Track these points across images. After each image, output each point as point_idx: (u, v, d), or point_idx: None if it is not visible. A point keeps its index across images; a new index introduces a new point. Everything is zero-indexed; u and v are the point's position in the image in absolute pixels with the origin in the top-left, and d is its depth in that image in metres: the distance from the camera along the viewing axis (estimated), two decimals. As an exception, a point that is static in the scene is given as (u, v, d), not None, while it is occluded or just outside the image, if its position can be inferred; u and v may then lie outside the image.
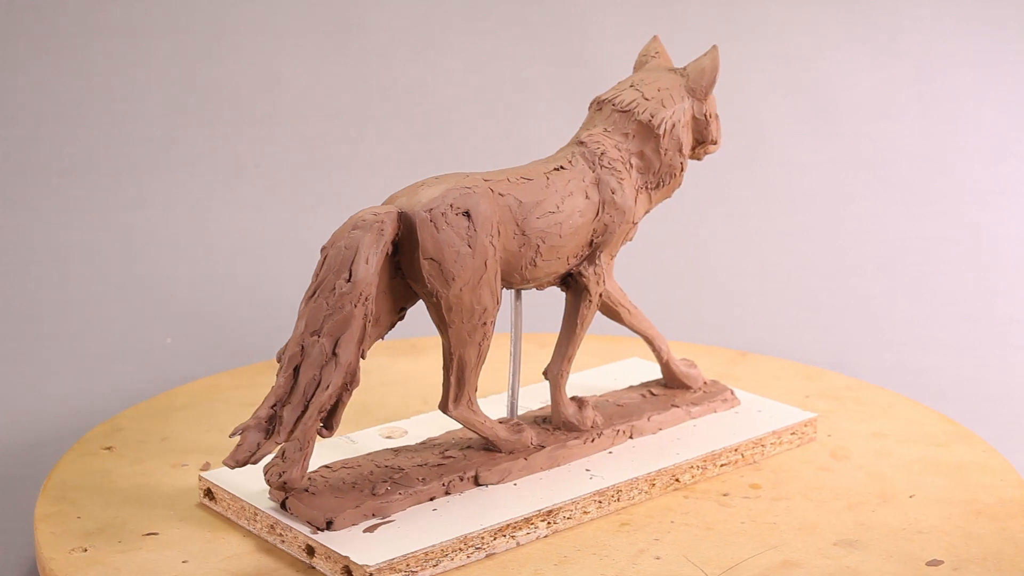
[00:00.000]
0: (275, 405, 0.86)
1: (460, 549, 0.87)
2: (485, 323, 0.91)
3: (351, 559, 0.84)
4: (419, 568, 0.85)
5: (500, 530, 0.89)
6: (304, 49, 1.66)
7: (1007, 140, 1.63)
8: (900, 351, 1.40)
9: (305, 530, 0.88)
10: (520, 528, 0.90)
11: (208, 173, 1.60)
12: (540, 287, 0.98)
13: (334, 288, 0.87)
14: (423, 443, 0.99)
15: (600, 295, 0.99)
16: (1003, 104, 1.65)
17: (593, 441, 0.99)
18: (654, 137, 0.98)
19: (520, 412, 1.05)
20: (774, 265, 1.55)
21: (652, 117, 0.98)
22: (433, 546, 0.86)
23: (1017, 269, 1.53)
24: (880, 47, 1.67)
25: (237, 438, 0.98)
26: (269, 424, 0.86)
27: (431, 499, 0.92)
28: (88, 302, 1.46)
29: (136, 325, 1.43)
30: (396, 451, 0.97)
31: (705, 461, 1.00)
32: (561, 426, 1.00)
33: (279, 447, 0.90)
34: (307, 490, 0.90)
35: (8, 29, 1.62)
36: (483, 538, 0.88)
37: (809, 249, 1.56)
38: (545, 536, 0.91)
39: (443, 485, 0.92)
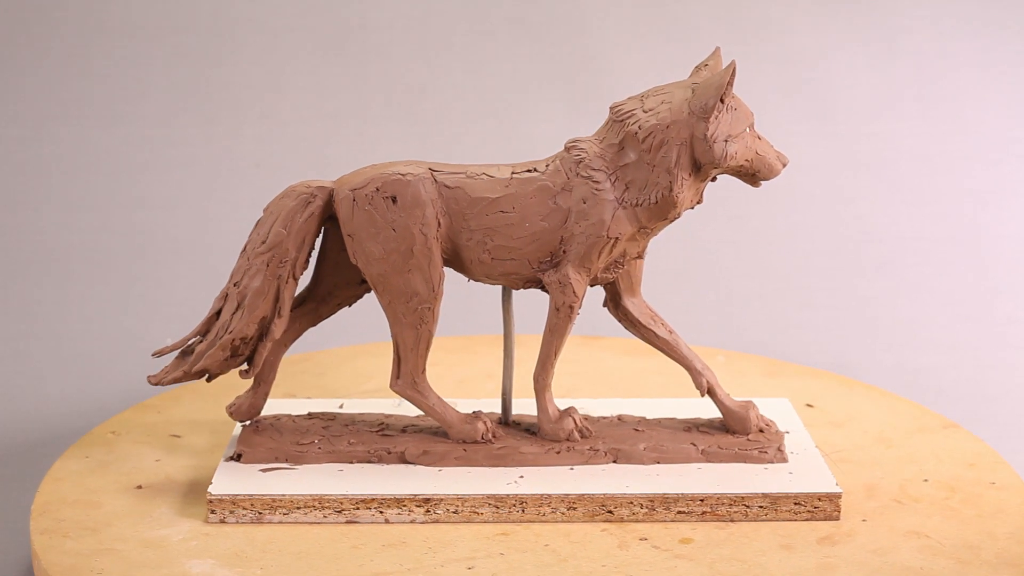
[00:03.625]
0: (195, 339, 0.99)
1: (316, 508, 0.91)
2: (419, 308, 0.95)
3: (211, 487, 0.93)
4: (266, 512, 0.91)
5: (364, 501, 0.91)
6: (304, 49, 1.66)
7: (1007, 140, 1.63)
8: (900, 351, 1.40)
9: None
10: (390, 506, 0.91)
11: (208, 173, 1.60)
12: (513, 286, 0.98)
13: (255, 247, 0.97)
14: (416, 417, 1.01)
15: (571, 306, 0.95)
16: (1003, 104, 1.65)
17: (558, 453, 0.96)
18: (641, 151, 0.93)
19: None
20: (773, 265, 1.55)
21: (640, 130, 0.92)
22: (284, 495, 0.91)
23: (1017, 269, 1.53)
24: (880, 47, 1.67)
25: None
26: (187, 354, 0.99)
27: (351, 462, 0.96)
28: (88, 302, 1.46)
29: (136, 325, 1.43)
30: (387, 416, 1.01)
31: (653, 502, 0.92)
32: (539, 432, 0.99)
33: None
34: (257, 425, 0.99)
35: (8, 29, 1.62)
36: (342, 503, 0.91)
37: (808, 249, 1.56)
38: (421, 522, 0.92)
39: (369, 452, 0.96)
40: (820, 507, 0.93)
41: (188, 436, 1.07)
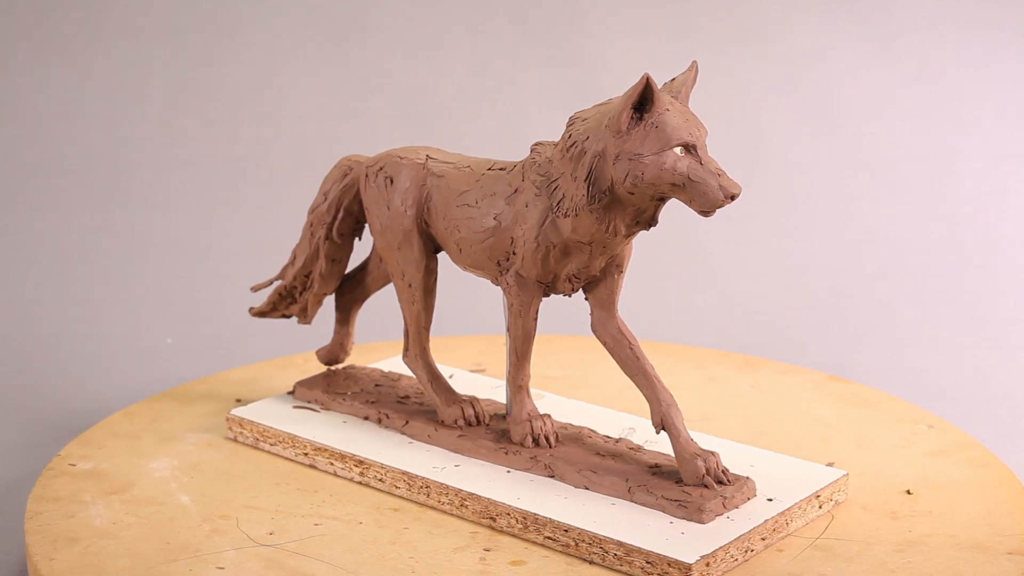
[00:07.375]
0: (278, 280, 1.12)
1: (289, 445, 1.05)
2: (411, 286, 1.00)
3: (234, 409, 1.09)
4: (261, 439, 1.06)
5: (320, 450, 1.03)
6: (304, 49, 1.66)
7: (1007, 140, 1.63)
8: (901, 351, 1.40)
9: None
10: (338, 460, 1.02)
11: (208, 173, 1.60)
12: (494, 282, 0.97)
13: (309, 210, 1.07)
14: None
15: (518, 310, 0.94)
16: (1003, 104, 1.65)
17: (506, 454, 0.97)
18: (567, 160, 0.88)
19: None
20: (774, 266, 1.55)
21: (568, 137, 0.88)
22: (271, 428, 1.05)
23: (1018, 269, 1.53)
24: (880, 47, 1.68)
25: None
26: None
27: (363, 418, 1.06)
28: (88, 302, 1.46)
29: (136, 325, 1.43)
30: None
31: (527, 520, 0.91)
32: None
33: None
34: (332, 371, 1.13)
35: (8, 29, 1.62)
36: (306, 447, 1.03)
37: (809, 250, 1.56)
38: (358, 481, 1.00)
39: (375, 413, 1.05)
40: (669, 573, 0.86)
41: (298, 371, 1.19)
